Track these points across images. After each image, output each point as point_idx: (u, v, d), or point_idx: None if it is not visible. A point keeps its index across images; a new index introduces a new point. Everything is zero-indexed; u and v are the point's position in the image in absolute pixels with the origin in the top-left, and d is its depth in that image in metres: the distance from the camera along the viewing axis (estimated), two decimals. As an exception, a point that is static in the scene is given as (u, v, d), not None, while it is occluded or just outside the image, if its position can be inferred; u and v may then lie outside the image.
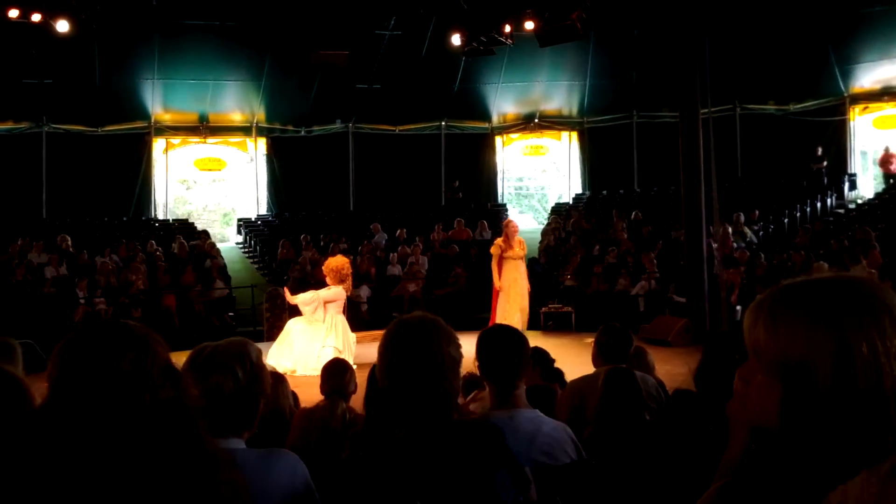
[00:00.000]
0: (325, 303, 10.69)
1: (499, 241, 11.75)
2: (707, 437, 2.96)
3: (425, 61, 19.71)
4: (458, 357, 2.14)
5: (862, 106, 19.93)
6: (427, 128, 22.19)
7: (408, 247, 18.08)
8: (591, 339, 5.00)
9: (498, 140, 22.70)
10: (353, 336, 10.88)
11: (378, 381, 2.19)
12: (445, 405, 2.08)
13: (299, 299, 10.82)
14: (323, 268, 11.18)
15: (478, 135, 22.54)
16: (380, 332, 8.99)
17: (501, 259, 11.57)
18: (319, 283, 11.70)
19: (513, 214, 21.97)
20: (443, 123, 22.11)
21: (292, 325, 10.90)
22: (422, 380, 2.06)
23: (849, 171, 19.80)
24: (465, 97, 21.28)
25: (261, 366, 2.26)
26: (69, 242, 17.21)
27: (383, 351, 2.14)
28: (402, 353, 2.09)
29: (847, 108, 19.93)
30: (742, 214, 16.88)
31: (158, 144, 20.82)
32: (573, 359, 9.48)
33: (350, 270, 11.03)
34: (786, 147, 20.14)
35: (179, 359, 2.47)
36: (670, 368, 8.30)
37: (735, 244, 15.61)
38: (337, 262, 11.00)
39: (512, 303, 11.50)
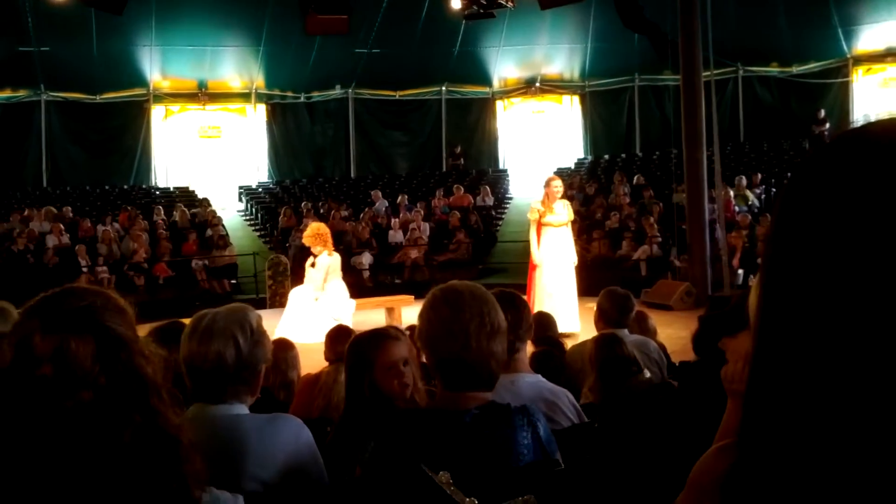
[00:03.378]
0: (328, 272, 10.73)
1: (535, 203, 9.60)
2: (707, 401, 2.97)
3: (425, 25, 19.52)
4: (505, 326, 2.09)
5: (865, 67, 19.77)
6: (427, 93, 22.05)
7: (409, 213, 18.07)
8: (593, 304, 5.02)
9: (499, 104, 22.58)
10: (352, 302, 10.86)
11: (420, 347, 2.12)
12: (493, 371, 2.04)
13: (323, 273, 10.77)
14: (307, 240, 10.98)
15: (479, 99, 22.41)
16: (381, 299, 9.00)
17: (540, 226, 9.42)
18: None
19: (514, 179, 21.92)
20: (443, 88, 21.97)
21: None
22: (479, 340, 1.99)
23: (851, 134, 19.69)
24: (465, 61, 21.10)
25: (262, 332, 2.28)
26: (71, 214, 17.27)
27: (434, 312, 2.04)
28: (458, 313, 2.00)
29: (850, 69, 19.77)
30: (744, 178, 16.82)
31: (157, 112, 20.70)
32: (583, 324, 9.52)
33: (320, 232, 10.71)
34: (788, 109, 20.02)
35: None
36: (672, 332, 8.34)
37: (737, 208, 15.58)
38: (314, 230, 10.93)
39: (546, 289, 9.33)
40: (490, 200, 19.73)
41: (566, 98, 22.44)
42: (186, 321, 2.34)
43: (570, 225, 9.62)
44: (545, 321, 5.47)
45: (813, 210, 0.70)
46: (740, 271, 12.90)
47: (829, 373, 0.67)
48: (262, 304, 13.70)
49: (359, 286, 13.64)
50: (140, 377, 1.32)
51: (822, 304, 0.67)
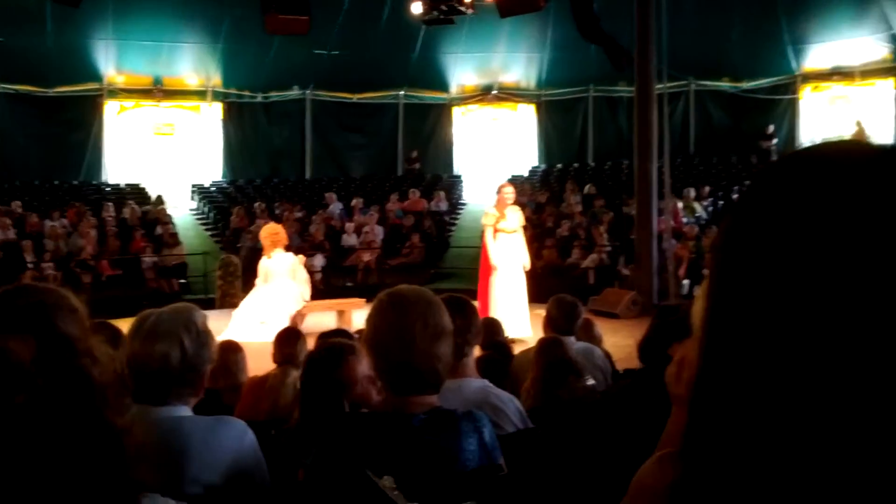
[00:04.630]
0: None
1: (490, 209, 9.83)
2: (651, 408, 3.02)
3: (385, 29, 19.50)
4: (451, 330, 2.10)
5: (813, 85, 20.29)
6: (385, 97, 22.01)
7: (363, 216, 18.03)
8: (542, 311, 5.08)
9: (456, 110, 22.64)
10: (286, 310, 10.63)
11: (367, 352, 2.13)
12: (438, 375, 2.06)
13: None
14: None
15: (436, 105, 22.43)
16: (333, 302, 8.99)
17: (495, 231, 9.62)
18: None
19: (468, 185, 22.00)
20: (401, 93, 21.95)
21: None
22: (423, 344, 2.01)
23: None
24: (424, 66, 21.11)
25: (207, 332, 2.25)
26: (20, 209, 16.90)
27: (380, 316, 2.07)
28: (403, 317, 2.02)
29: (798, 86, 20.27)
30: (693, 190, 17.13)
31: (111, 107, 20.32)
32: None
33: (265, 234, 10.92)
34: (738, 124, 20.44)
35: (126, 325, 2.45)
36: (617, 340, 8.44)
37: (685, 219, 15.85)
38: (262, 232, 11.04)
39: (499, 295, 9.51)
40: (444, 206, 19.78)
41: (522, 106, 22.60)
42: (128, 321, 2.30)
43: (520, 230, 9.80)
44: (493, 326, 5.51)
45: (760, 224, 0.71)
46: (686, 281, 13.12)
47: (773, 382, 0.68)
48: (211, 305, 13.55)
49: (311, 288, 13.58)
50: (85, 378, 1.29)
51: (766, 315, 0.69)
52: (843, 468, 0.65)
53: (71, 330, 1.30)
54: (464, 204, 20.95)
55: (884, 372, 0.64)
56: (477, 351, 3.73)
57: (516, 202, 10.16)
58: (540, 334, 8.45)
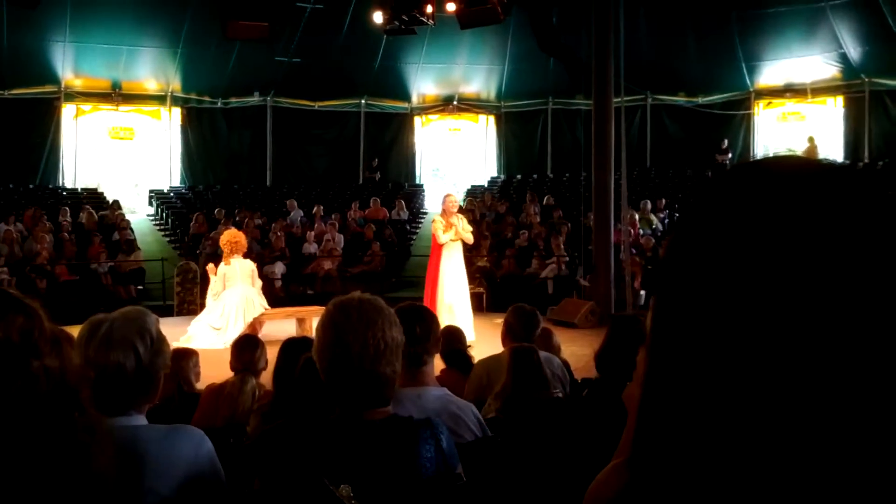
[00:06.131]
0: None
1: (437, 216, 10.38)
2: (607, 417, 3.06)
3: (347, 37, 19.48)
4: (401, 339, 2.09)
5: (766, 101, 20.75)
6: (346, 105, 21.98)
7: (324, 224, 17.96)
8: (500, 320, 5.10)
9: (417, 120, 22.68)
10: (248, 313, 10.62)
11: (316, 364, 2.10)
12: (384, 390, 2.06)
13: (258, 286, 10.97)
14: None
15: (397, 114, 22.46)
16: (292, 309, 8.96)
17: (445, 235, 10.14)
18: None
19: (429, 195, 22.04)
20: (362, 101, 21.94)
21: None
22: (362, 364, 2.00)
23: (752, 164, 20.57)
24: (385, 76, 21.13)
25: (162, 338, 2.21)
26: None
27: (322, 333, 2.05)
28: (342, 336, 2.01)
29: (752, 102, 20.71)
30: (649, 202, 17.37)
31: (68, 110, 19.99)
32: (483, 338, 9.67)
33: (226, 240, 10.94)
34: (693, 138, 20.79)
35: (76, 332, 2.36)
36: (576, 349, 8.51)
37: (641, 231, 16.04)
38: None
39: (445, 301, 10.05)
40: (405, 214, 19.79)
41: (482, 117, 22.75)
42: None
43: (464, 237, 10.38)
44: (454, 335, 5.52)
45: (702, 235, 0.72)
46: (642, 292, 13.29)
47: (714, 391, 0.68)
48: (169, 311, 13.40)
49: (270, 296, 13.48)
50: (53, 373, 1.30)
51: (705, 324, 0.69)
52: (779, 475, 0.67)
53: (55, 331, 1.31)
54: (425, 213, 20.97)
55: (822, 380, 0.66)
56: (438, 360, 3.74)
57: (469, 211, 10.67)
58: (485, 340, 8.55)
